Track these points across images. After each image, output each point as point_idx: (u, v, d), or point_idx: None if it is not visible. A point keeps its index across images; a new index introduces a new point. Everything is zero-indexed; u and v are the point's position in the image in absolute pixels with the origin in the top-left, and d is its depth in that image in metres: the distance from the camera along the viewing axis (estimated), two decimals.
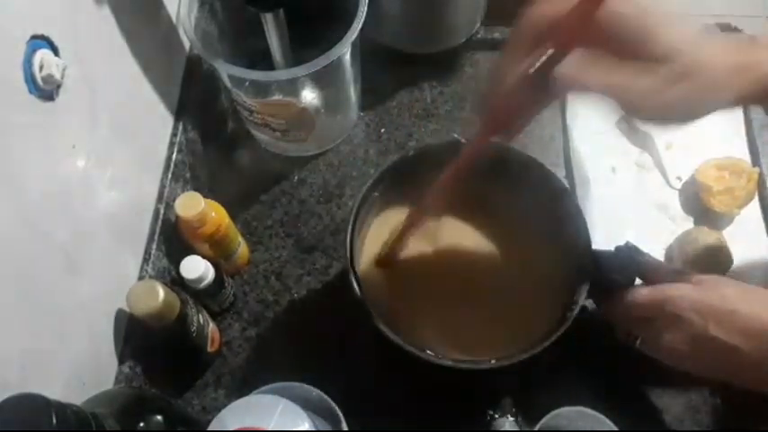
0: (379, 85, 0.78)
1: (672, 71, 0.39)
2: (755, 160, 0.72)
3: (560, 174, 0.72)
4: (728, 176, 0.67)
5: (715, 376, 0.50)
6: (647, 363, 0.54)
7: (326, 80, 0.71)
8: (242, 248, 0.66)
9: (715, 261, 0.63)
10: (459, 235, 0.61)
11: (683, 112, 0.41)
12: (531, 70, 0.41)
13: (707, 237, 0.63)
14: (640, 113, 0.42)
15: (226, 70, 0.61)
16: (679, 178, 0.71)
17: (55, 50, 0.47)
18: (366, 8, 0.62)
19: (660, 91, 0.39)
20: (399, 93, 0.79)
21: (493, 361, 0.50)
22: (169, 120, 0.68)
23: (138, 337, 0.58)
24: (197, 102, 0.72)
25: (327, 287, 0.68)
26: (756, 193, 0.69)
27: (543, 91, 0.42)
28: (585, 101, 0.76)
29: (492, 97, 0.45)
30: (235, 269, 0.67)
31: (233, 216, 0.64)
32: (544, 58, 0.40)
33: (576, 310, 0.51)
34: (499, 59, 0.44)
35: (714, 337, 0.47)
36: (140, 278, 0.60)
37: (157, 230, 0.62)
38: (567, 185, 0.60)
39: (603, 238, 0.60)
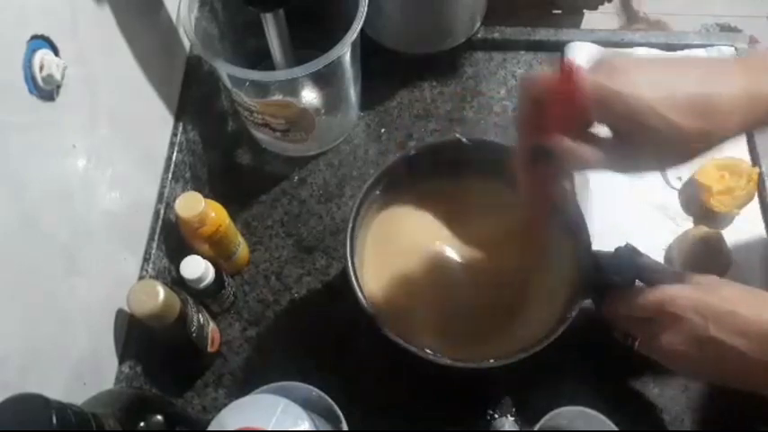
0: (379, 86, 0.78)
1: (661, 144, 0.41)
2: (755, 160, 0.72)
3: None
4: (728, 177, 0.67)
5: (714, 377, 0.50)
6: (647, 362, 0.54)
7: (327, 80, 0.71)
8: (242, 248, 0.66)
9: (715, 261, 0.63)
10: (460, 236, 0.61)
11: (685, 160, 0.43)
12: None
13: (707, 237, 0.63)
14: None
15: (226, 70, 0.61)
16: (679, 178, 0.71)
17: (55, 51, 0.47)
18: (366, 8, 0.62)
19: (658, 157, 0.43)
20: (399, 93, 0.79)
21: (492, 360, 0.50)
22: (169, 120, 0.68)
23: (139, 337, 0.58)
24: (197, 102, 0.72)
25: (327, 287, 0.68)
26: (756, 194, 0.69)
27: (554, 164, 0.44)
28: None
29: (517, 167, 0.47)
30: (235, 269, 0.68)
31: (233, 216, 0.64)
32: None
33: (576, 310, 0.51)
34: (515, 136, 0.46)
35: (714, 337, 0.47)
36: (141, 278, 0.60)
37: (158, 230, 0.62)
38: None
39: (603, 239, 0.60)
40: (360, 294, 0.53)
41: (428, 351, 0.51)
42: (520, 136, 0.46)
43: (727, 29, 1.72)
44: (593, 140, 0.43)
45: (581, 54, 0.79)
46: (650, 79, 0.40)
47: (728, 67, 0.42)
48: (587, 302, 0.58)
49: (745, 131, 0.42)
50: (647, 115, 0.39)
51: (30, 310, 0.45)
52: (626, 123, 0.40)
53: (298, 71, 0.60)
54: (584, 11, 1.35)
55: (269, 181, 0.74)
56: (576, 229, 0.55)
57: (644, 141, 0.41)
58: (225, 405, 0.44)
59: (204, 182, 0.73)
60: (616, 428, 0.51)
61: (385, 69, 0.78)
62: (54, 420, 0.34)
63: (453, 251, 0.61)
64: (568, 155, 0.42)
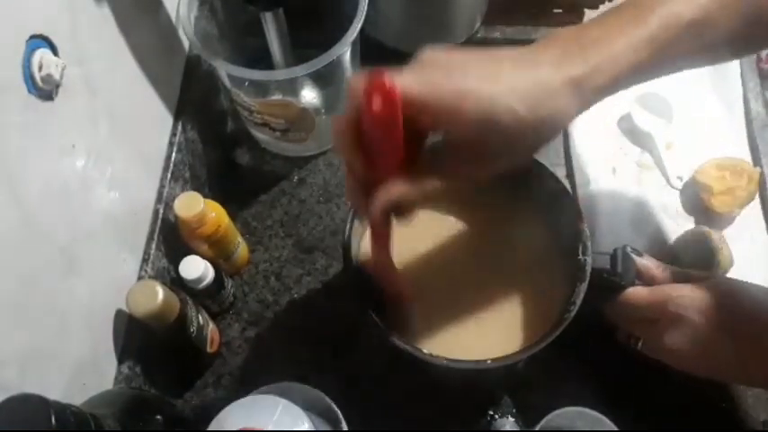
0: None
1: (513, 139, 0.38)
2: (756, 160, 0.72)
3: (561, 174, 0.72)
4: (729, 176, 0.67)
5: (717, 376, 0.50)
6: (647, 362, 0.54)
7: (326, 80, 0.71)
8: (241, 248, 0.66)
9: (716, 261, 0.63)
10: (459, 235, 0.61)
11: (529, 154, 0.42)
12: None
13: (707, 237, 0.63)
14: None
15: (225, 70, 0.61)
16: (680, 178, 0.71)
17: (54, 50, 0.46)
18: (366, 7, 0.62)
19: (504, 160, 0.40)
20: None
21: (489, 361, 0.50)
22: (168, 119, 0.68)
23: (138, 338, 0.57)
24: (197, 101, 0.72)
25: (327, 287, 0.68)
26: (757, 194, 0.69)
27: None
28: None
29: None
30: (234, 269, 0.67)
31: (232, 216, 0.64)
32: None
33: (574, 311, 0.51)
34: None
35: (716, 336, 0.47)
36: (140, 278, 0.60)
37: (157, 230, 0.62)
38: (568, 185, 0.60)
39: (604, 238, 0.60)
40: (359, 294, 0.53)
41: (425, 351, 0.50)
42: (347, 166, 0.41)
43: None
44: (430, 157, 0.40)
45: None
46: (485, 74, 0.38)
47: (541, 54, 0.39)
48: (588, 303, 0.58)
49: (578, 114, 0.40)
50: (499, 112, 0.36)
51: (29, 310, 0.45)
52: (478, 125, 0.37)
53: (297, 70, 0.59)
54: (585, 9, 1.35)
55: (268, 181, 0.74)
56: (577, 229, 0.55)
57: (497, 140, 0.38)
58: (224, 406, 0.44)
59: (203, 182, 0.73)
60: (616, 429, 0.51)
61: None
62: (53, 421, 0.34)
63: (452, 251, 0.60)
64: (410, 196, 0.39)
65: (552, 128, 0.39)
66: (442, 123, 0.38)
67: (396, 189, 0.39)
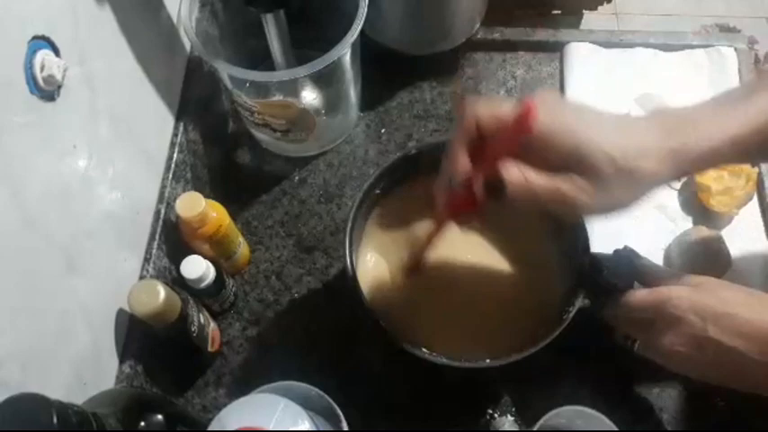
0: (380, 86, 0.78)
1: (604, 179, 0.42)
2: None
3: None
4: (727, 177, 0.67)
5: (714, 378, 0.50)
6: (646, 362, 0.54)
7: (327, 80, 0.71)
8: (242, 248, 0.66)
9: (714, 261, 0.63)
10: (458, 236, 0.61)
11: (623, 204, 0.46)
12: (476, 189, 0.45)
13: (706, 237, 0.63)
14: (586, 213, 0.47)
15: (226, 71, 0.62)
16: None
17: (56, 51, 0.47)
18: (366, 9, 0.62)
19: (600, 194, 0.43)
20: (399, 93, 0.79)
21: (488, 360, 0.50)
22: (170, 120, 0.69)
23: (139, 337, 0.58)
24: (198, 102, 0.72)
25: (328, 287, 0.68)
26: (755, 194, 0.69)
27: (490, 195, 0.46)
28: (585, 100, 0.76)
29: (441, 193, 0.49)
30: (235, 269, 0.68)
31: (233, 216, 0.64)
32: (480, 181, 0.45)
33: (573, 312, 0.51)
34: (445, 157, 0.47)
35: (712, 338, 0.47)
36: (141, 278, 0.60)
37: (158, 230, 0.63)
38: None
39: (602, 239, 0.60)
40: (359, 294, 0.53)
41: (425, 351, 0.51)
42: (452, 157, 0.46)
43: (726, 29, 1.73)
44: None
45: (579, 54, 0.79)
46: (597, 124, 0.43)
47: (649, 123, 0.44)
48: (587, 304, 0.58)
49: (671, 178, 0.44)
50: (598, 157, 0.41)
51: (31, 309, 0.45)
52: (573, 158, 0.42)
53: (298, 71, 0.60)
54: (584, 11, 1.35)
55: (269, 181, 0.74)
56: (575, 230, 0.55)
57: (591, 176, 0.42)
58: (225, 404, 0.44)
59: (205, 182, 0.73)
60: (615, 428, 0.52)
61: (385, 70, 0.78)
62: (55, 420, 0.34)
63: (452, 251, 0.61)
64: (522, 187, 0.43)
65: (640, 183, 0.43)
66: (551, 149, 0.43)
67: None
